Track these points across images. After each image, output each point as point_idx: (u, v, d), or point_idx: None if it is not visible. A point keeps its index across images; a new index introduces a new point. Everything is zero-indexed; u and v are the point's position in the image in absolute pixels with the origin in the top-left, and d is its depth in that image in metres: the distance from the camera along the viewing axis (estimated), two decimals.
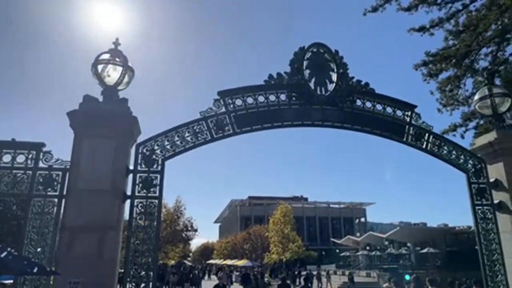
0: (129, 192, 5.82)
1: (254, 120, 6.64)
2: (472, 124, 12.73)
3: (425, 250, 44.95)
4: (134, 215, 5.68)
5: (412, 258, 49.38)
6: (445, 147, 7.19)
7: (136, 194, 5.81)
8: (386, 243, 41.11)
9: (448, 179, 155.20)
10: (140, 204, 5.74)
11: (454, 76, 12.35)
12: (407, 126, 7.14)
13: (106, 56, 6.14)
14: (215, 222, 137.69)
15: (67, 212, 5.30)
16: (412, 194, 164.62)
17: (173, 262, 49.72)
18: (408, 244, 46.68)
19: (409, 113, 7.21)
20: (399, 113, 7.22)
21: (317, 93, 6.90)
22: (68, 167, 5.62)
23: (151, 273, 5.50)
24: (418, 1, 13.68)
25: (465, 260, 44.80)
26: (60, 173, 5.65)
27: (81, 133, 5.65)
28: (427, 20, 13.69)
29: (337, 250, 69.78)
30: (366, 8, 14.09)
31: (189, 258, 77.75)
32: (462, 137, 12.64)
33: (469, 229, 60.39)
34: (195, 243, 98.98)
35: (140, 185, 5.85)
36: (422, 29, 13.75)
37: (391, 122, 7.13)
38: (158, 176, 5.95)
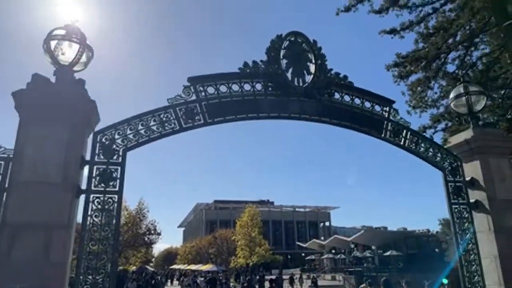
0: (84, 186, 5.11)
1: (227, 110, 6.14)
2: (441, 126, 12.95)
3: (388, 253, 46.15)
4: (90, 211, 4.98)
5: (375, 261, 50.52)
6: (422, 144, 7.03)
7: (93, 188, 5.10)
8: (352, 246, 41.66)
9: (411, 182, 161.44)
10: (97, 200, 5.05)
11: (424, 78, 12.50)
12: (385, 122, 6.92)
13: (60, 32, 5.39)
14: (179, 226, 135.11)
15: (8, 207, 4.53)
16: (373, 198, 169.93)
17: (134, 268, 47.85)
18: (373, 247, 47.67)
19: (387, 109, 7.00)
20: (377, 108, 6.99)
21: (294, 84, 6.51)
22: (11, 156, 4.84)
23: (108, 279, 4.82)
24: (388, 4, 13.77)
25: (425, 262, 46.53)
26: (2, 162, 4.86)
27: (27, 117, 4.89)
28: (398, 23, 13.83)
29: (303, 254, 70.28)
30: (339, 7, 14.02)
31: (151, 264, 75.25)
32: (431, 138, 12.78)
33: (428, 233, 63.00)
34: (158, 248, 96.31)
35: (98, 178, 5.15)
36: (393, 31, 13.85)
37: (369, 117, 6.87)
38: (119, 168, 5.28)
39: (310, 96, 6.54)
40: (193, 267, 47.26)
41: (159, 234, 30.37)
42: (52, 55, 5.30)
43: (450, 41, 12.36)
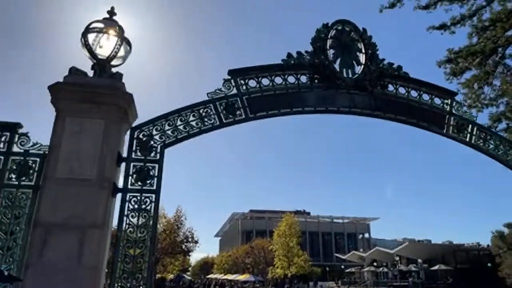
0: (120, 185, 4.80)
1: (270, 104, 5.67)
2: (502, 126, 11.75)
3: (435, 267, 43.37)
4: (126, 211, 4.65)
5: (421, 275, 47.66)
6: (492, 141, 6.20)
7: (129, 186, 4.79)
8: (397, 258, 39.50)
9: (451, 196, 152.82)
10: (134, 199, 4.72)
11: (483, 73, 11.43)
12: (447, 116, 6.16)
13: (99, 25, 5.20)
14: (216, 236, 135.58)
15: (42, 205, 4.28)
16: (414, 211, 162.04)
17: (171, 276, 48.17)
18: (419, 260, 45.03)
19: (448, 101, 6.25)
20: (437, 100, 6.26)
21: (343, 75, 5.94)
22: (47, 152, 4.63)
23: (145, 286, 4.42)
24: None
25: (476, 277, 43.30)
26: (37, 159, 4.67)
27: (63, 111, 4.67)
28: (442, 18, 12.89)
29: (342, 266, 67.87)
30: (383, 4, 13.28)
31: (188, 273, 75.82)
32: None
33: (478, 246, 58.80)
34: (195, 257, 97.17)
35: (135, 176, 4.84)
36: (443, 27, 12.89)
37: (428, 110, 6.15)
38: (156, 166, 4.94)
39: (360, 88, 5.94)
40: (230, 277, 46.85)
41: (196, 242, 30.32)
42: (89, 49, 5.10)
43: (509, 33, 11.25)
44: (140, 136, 5.06)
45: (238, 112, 5.51)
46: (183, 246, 29.91)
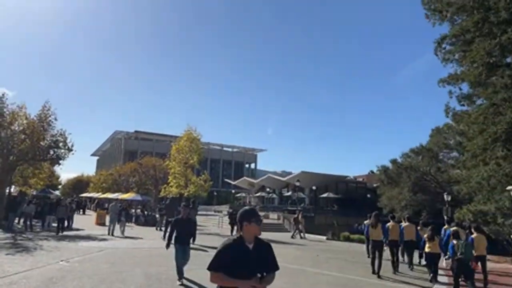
0: None
1: None
2: None
3: (325, 195, 45.10)
4: None
5: (306, 201, 49.79)
6: None
7: None
8: (298, 183, 39.07)
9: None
10: None
11: None
12: None
13: None
14: (93, 155, 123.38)
15: None
16: (298, 145, 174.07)
17: (34, 192, 39.96)
18: (313, 188, 46.08)
19: None
20: None
21: None
22: None
23: None
24: None
25: (358, 206, 46.92)
26: None
27: None
28: None
29: (233, 191, 67.65)
30: None
31: (57, 192, 66.36)
32: None
33: (355, 180, 64.45)
34: (66, 176, 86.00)
35: None
36: None
37: None
38: None
39: None
40: (110, 195, 41.09)
41: (70, 149, 23.32)
42: None
43: None
44: None
45: None
46: (51, 152, 22.72)
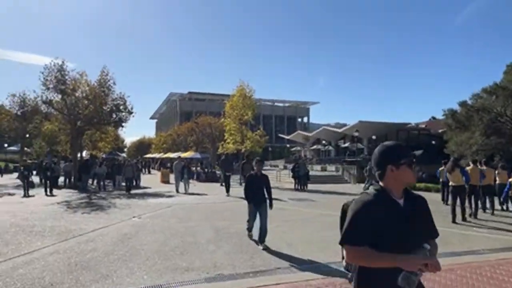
0: None
1: None
2: None
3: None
4: None
5: (365, 152, 48.10)
6: None
7: None
8: (357, 133, 37.70)
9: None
10: None
11: None
12: None
13: None
14: (151, 118, 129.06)
15: None
16: (352, 97, 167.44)
17: (103, 155, 42.80)
18: (364, 141, 44.13)
19: None
20: None
21: None
22: None
23: None
24: None
25: (425, 153, 44.45)
26: None
27: None
28: None
29: (288, 145, 67.56)
30: None
31: (123, 154, 70.94)
32: None
33: (417, 126, 60.79)
34: (130, 140, 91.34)
35: None
36: None
37: None
38: None
39: None
40: (171, 155, 42.89)
41: (130, 112, 24.11)
42: None
43: None
44: None
45: None
46: (114, 116, 23.63)
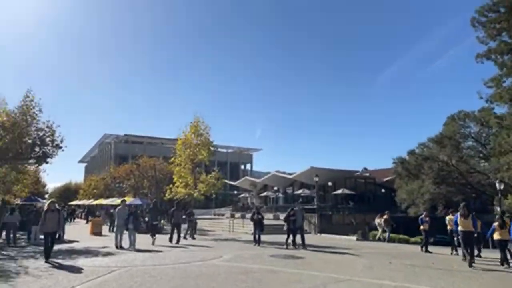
0: None
1: None
2: None
3: (339, 191, 41.84)
4: None
5: (315, 200, 46.60)
6: None
7: None
8: (316, 178, 35.96)
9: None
10: None
11: None
12: None
13: None
14: (80, 161, 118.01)
15: None
16: (292, 144, 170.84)
17: (19, 201, 35.85)
18: (314, 186, 42.67)
19: None
20: None
21: None
22: None
23: None
24: None
25: (367, 203, 44.05)
26: None
27: None
28: None
29: (235, 192, 63.97)
30: None
31: (44, 200, 61.67)
32: None
33: (361, 175, 61.57)
34: (52, 187, 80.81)
35: None
36: None
37: None
38: None
39: None
40: (104, 201, 37.12)
41: (58, 146, 19.46)
42: None
43: None
44: None
45: None
46: (37, 149, 18.85)
